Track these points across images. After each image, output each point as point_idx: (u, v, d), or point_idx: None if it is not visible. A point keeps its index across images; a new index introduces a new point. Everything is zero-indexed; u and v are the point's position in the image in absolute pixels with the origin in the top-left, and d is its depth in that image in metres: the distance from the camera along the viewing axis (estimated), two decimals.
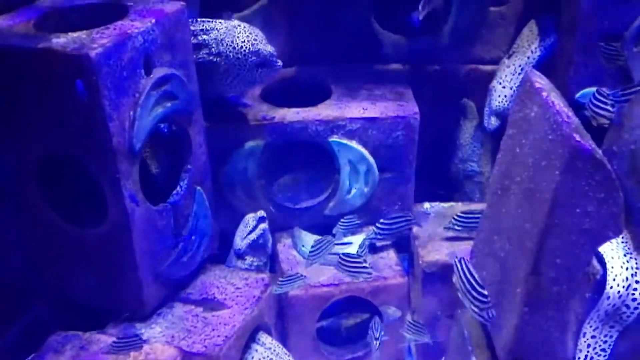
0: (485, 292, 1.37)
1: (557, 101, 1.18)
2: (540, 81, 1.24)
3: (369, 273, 1.83)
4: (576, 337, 1.26)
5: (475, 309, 1.37)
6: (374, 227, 2.08)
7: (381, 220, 2.06)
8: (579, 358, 1.20)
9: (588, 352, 1.17)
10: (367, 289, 2.10)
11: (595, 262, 1.19)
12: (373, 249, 2.22)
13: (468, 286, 1.40)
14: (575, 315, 1.24)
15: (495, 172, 1.40)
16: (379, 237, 2.09)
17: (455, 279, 1.47)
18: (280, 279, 1.93)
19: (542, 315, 1.25)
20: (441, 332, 2.14)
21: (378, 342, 1.84)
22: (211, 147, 2.07)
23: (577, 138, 1.10)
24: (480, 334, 1.50)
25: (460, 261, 1.42)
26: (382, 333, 1.86)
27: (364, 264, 1.84)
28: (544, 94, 1.19)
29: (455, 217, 2.09)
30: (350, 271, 1.85)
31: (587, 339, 1.18)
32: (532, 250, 1.20)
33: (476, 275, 1.40)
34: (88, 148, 1.70)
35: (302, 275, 1.93)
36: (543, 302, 1.24)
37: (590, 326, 1.17)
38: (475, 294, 1.38)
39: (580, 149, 1.09)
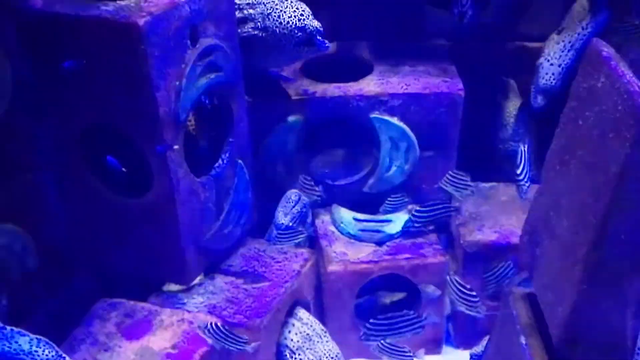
0: (474, 292, 1.69)
1: (627, 70, 1.13)
2: (608, 50, 1.19)
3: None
4: (636, 317, 1.22)
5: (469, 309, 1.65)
6: (410, 215, 2.05)
7: (418, 208, 2.03)
8: None
9: None
10: (406, 267, 2.08)
11: None
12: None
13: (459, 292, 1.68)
14: (635, 294, 1.20)
15: (554, 146, 1.35)
16: (415, 225, 2.07)
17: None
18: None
19: (601, 293, 1.21)
20: None
21: None
22: (252, 121, 2.06)
23: None
24: (530, 314, 1.47)
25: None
26: None
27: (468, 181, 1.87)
28: (613, 62, 1.14)
29: (415, 212, 2.03)
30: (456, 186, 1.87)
31: None
32: (594, 226, 1.16)
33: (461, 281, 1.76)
34: (134, 118, 1.70)
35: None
36: (603, 279, 1.20)
37: None
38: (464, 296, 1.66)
39: None
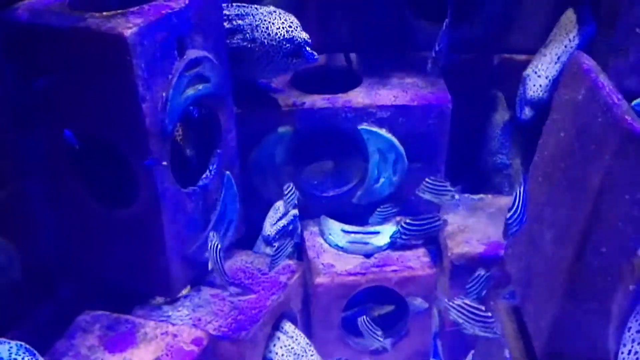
0: (489, 314, 1.52)
1: (607, 83, 1.13)
2: (588, 63, 1.19)
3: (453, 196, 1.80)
4: (618, 330, 1.22)
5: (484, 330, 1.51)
6: (399, 227, 2.04)
7: (408, 220, 2.02)
8: (622, 352, 1.16)
9: (632, 346, 1.13)
10: (394, 279, 2.07)
11: None
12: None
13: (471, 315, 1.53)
14: (618, 308, 1.20)
15: (537, 159, 1.36)
16: (403, 237, 2.06)
17: (453, 315, 1.60)
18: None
19: (584, 307, 1.21)
20: None
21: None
22: (240, 132, 2.06)
23: (630, 121, 1.06)
24: (514, 326, 1.47)
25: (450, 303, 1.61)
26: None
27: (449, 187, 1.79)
28: (593, 75, 1.15)
29: (404, 224, 2.03)
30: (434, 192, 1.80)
31: (632, 334, 1.14)
32: (576, 239, 1.16)
33: (474, 303, 1.57)
34: (121, 128, 1.70)
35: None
36: (585, 292, 1.20)
37: (637, 320, 1.12)
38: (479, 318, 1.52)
39: (633, 132, 1.05)
